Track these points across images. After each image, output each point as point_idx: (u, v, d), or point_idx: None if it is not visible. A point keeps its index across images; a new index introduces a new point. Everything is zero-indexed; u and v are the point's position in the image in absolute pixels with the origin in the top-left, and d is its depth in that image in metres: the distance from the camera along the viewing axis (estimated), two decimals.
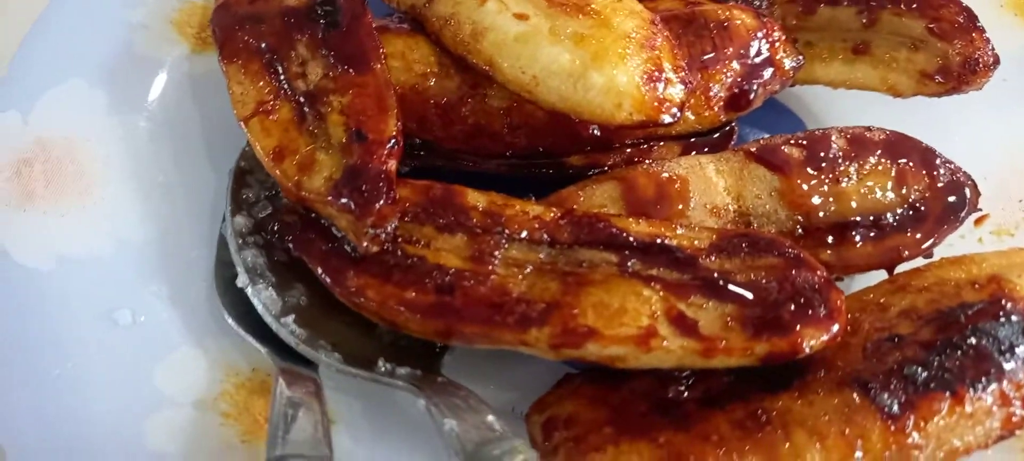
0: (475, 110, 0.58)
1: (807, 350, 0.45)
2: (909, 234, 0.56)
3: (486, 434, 0.44)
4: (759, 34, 0.61)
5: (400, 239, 0.52)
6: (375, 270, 0.51)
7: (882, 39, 0.64)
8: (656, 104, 0.54)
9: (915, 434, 0.43)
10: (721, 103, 0.60)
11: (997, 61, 0.60)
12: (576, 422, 0.48)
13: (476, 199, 0.54)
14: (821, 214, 0.56)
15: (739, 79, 0.60)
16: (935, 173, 0.57)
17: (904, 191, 0.57)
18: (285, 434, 0.43)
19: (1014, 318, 0.46)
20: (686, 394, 0.47)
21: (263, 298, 0.52)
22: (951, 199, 0.57)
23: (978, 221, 0.61)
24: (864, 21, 0.65)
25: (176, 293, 0.54)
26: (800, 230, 0.56)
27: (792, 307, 0.46)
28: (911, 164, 0.57)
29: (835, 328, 0.45)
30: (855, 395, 0.45)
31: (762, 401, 0.46)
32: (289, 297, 0.52)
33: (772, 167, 0.57)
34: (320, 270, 0.51)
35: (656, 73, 0.54)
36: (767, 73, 0.61)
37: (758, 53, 0.61)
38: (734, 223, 0.56)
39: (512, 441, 0.43)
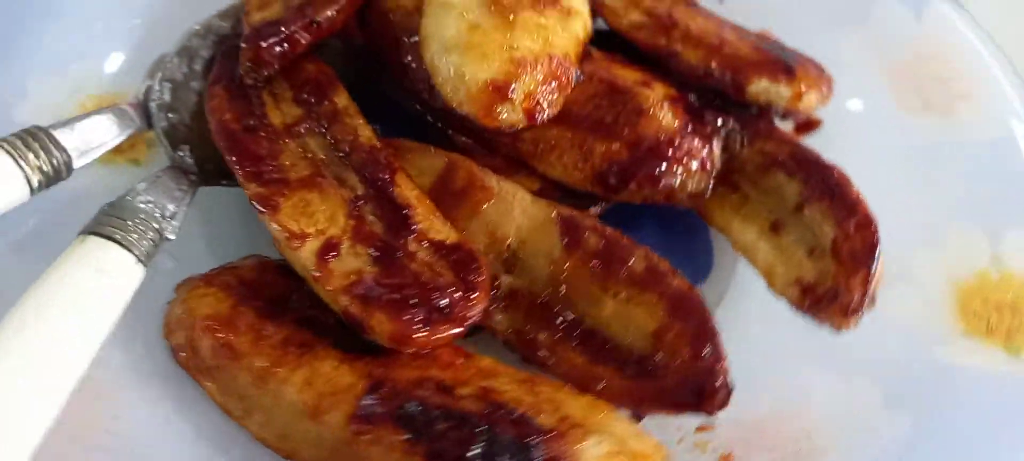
0: (409, 49, 0.66)
1: (372, 334, 0.47)
2: (623, 379, 0.52)
3: (155, 205, 0.54)
4: (670, 140, 0.59)
5: (269, 87, 0.63)
6: (231, 92, 0.63)
7: (797, 230, 0.58)
8: (486, 109, 0.57)
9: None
10: (589, 173, 0.60)
11: (854, 311, 0.51)
12: (232, 271, 0.55)
13: (341, 99, 0.63)
14: (570, 305, 0.55)
15: (622, 164, 0.60)
16: (698, 355, 0.52)
17: (654, 345, 0.53)
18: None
19: (526, 450, 0.42)
20: (297, 307, 0.52)
21: (169, 75, 0.66)
22: (690, 388, 0.51)
23: (700, 428, 0.53)
24: (797, 203, 0.58)
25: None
26: (541, 300, 0.55)
27: (396, 298, 0.48)
28: (682, 329, 0.52)
29: (400, 335, 0.47)
30: (362, 385, 0.46)
31: (314, 341, 0.49)
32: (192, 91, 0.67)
33: (564, 238, 0.56)
34: (212, 73, 0.65)
35: (504, 87, 0.57)
36: (660, 178, 0.59)
37: (658, 155, 0.59)
38: (502, 257, 0.57)
39: (157, 219, 0.53)
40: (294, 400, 0.46)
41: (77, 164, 0.57)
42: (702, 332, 0.52)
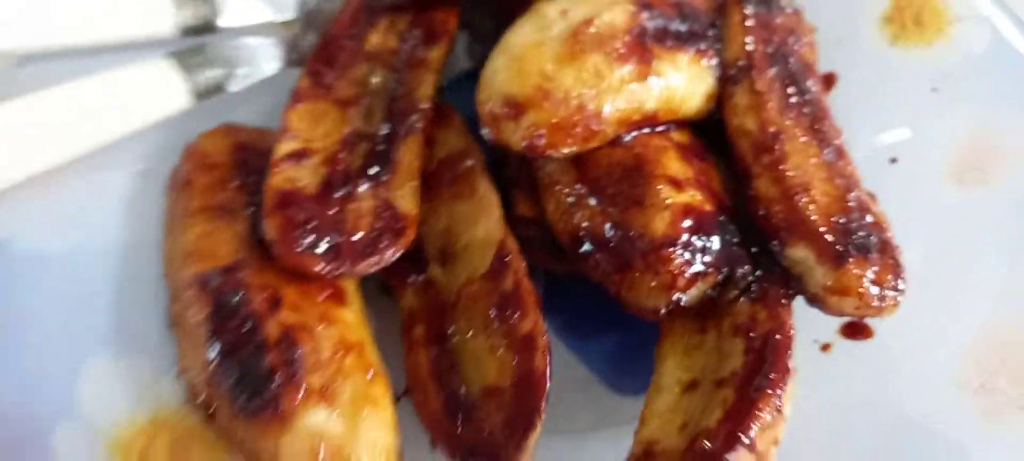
0: None
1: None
2: (437, 404, 0.53)
3: (240, 60, 0.66)
4: (648, 243, 0.56)
5: (394, 14, 0.71)
6: (365, 6, 0.71)
7: (698, 401, 0.53)
8: (494, 120, 0.58)
9: None
10: (568, 227, 0.59)
11: None
12: (263, 133, 0.65)
13: (435, 53, 0.68)
14: (455, 320, 0.57)
15: (595, 237, 0.58)
16: (504, 433, 0.51)
17: (481, 398, 0.53)
18: None
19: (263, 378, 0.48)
20: None
21: None
22: (474, 454, 0.50)
23: None
24: (723, 379, 0.52)
25: None
26: (441, 301, 0.58)
27: (299, 216, 0.55)
28: (508, 403, 0.52)
29: (274, 241, 0.53)
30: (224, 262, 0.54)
31: (240, 212, 0.57)
32: None
33: (491, 264, 0.57)
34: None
35: (518, 109, 0.58)
36: (617, 272, 0.56)
37: (625, 248, 0.56)
38: (445, 250, 0.60)
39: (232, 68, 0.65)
40: (187, 241, 0.55)
41: (221, 22, 0.69)
42: (521, 419, 0.51)
